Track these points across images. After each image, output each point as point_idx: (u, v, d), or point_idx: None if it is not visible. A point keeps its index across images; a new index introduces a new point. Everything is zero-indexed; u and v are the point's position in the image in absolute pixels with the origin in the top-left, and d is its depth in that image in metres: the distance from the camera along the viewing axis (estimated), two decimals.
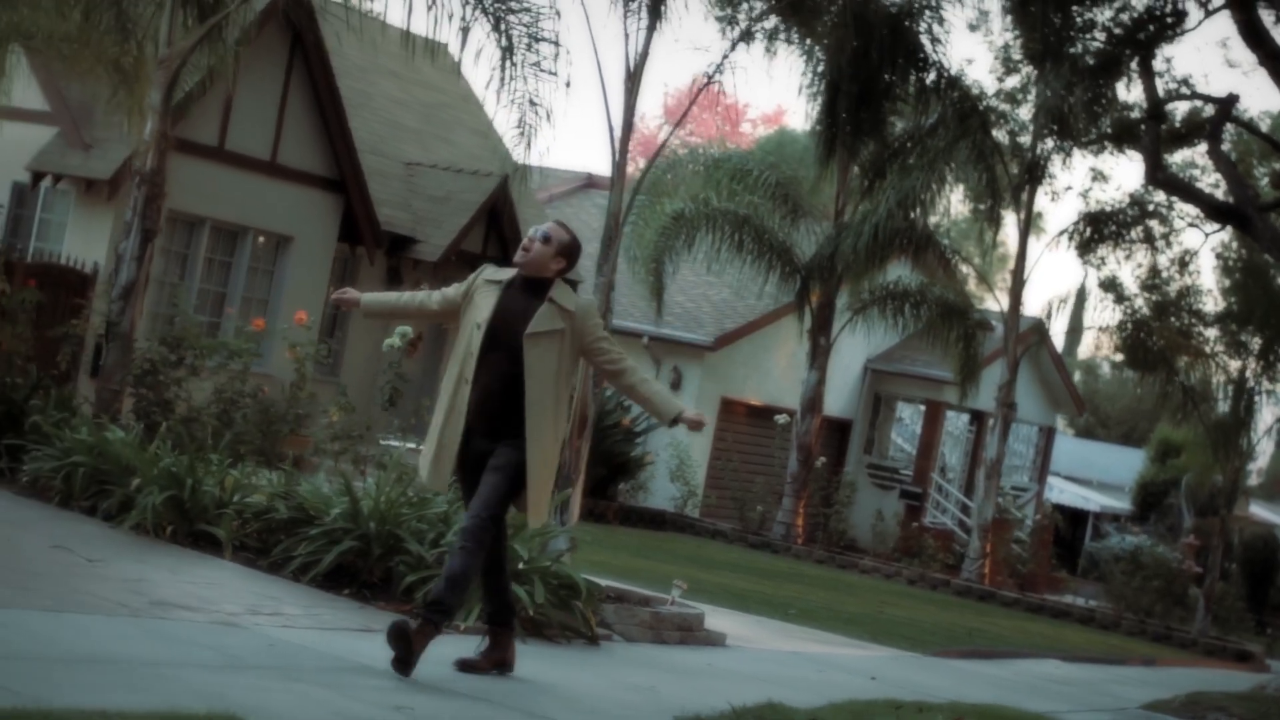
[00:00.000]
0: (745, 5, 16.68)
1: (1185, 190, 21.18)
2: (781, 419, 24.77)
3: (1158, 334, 25.13)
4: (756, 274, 23.53)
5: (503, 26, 10.02)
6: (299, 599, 8.22)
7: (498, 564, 7.16)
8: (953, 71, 22.75)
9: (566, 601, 8.79)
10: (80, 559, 7.85)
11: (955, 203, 28.14)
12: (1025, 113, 25.31)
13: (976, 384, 24.22)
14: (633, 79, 10.33)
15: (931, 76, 22.44)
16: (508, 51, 9.94)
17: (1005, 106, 24.60)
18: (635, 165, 56.04)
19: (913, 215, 22.54)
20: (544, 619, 8.59)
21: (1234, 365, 24.66)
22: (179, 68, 11.58)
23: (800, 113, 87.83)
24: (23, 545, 7.96)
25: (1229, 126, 21.89)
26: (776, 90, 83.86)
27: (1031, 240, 24.88)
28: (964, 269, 25.74)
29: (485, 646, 7.15)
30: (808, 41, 21.44)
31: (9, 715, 4.63)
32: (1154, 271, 26.52)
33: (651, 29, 10.16)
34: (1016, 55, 24.59)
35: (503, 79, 10.07)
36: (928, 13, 22.06)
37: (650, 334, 25.61)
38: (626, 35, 10.05)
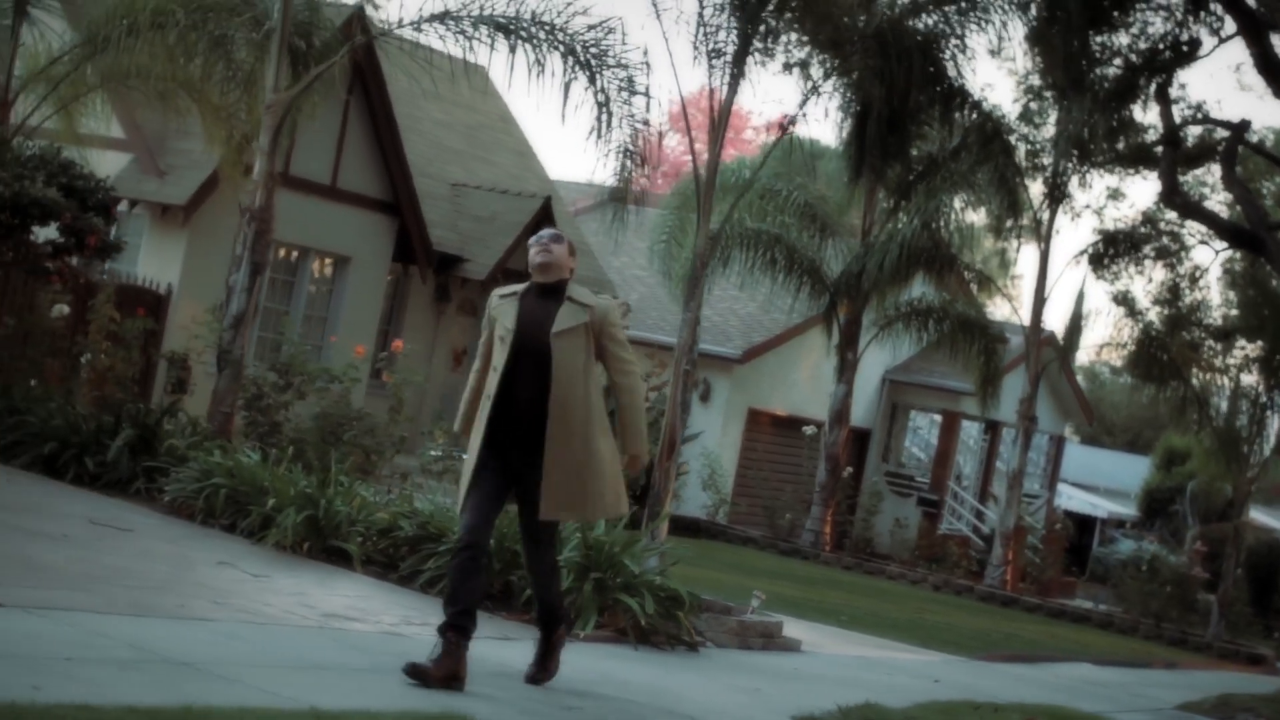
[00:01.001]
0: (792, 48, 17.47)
1: (1201, 214, 22.11)
2: (810, 430, 25.68)
3: (1172, 348, 26.03)
4: (787, 291, 24.39)
5: (599, 81, 10.88)
6: (437, 610, 9.09)
7: (479, 566, 7.07)
8: (976, 95, 23.62)
9: (671, 612, 9.69)
10: (246, 574, 8.73)
11: (977, 221, 29.00)
12: (1045, 132, 26.24)
13: (997, 396, 25.10)
14: (717, 128, 11.22)
15: (956, 101, 23.29)
16: (604, 105, 10.80)
17: (1026, 129, 25.49)
18: (654, 180, 56.80)
19: (937, 236, 23.42)
20: (653, 628, 9.49)
21: (1244, 379, 25.55)
22: (285, 114, 12.45)
23: (806, 121, 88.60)
24: (195, 562, 8.84)
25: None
26: (780, 96, 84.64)
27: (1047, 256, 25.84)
28: (982, 285, 26.61)
29: (439, 657, 6.79)
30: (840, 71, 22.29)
31: (276, 714, 5.51)
32: (1169, 288, 27.45)
33: (734, 86, 11.04)
34: (1037, 80, 25.53)
35: (600, 130, 10.93)
36: (954, 40, 22.88)
37: None
38: (711, 90, 10.93)
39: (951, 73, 22.67)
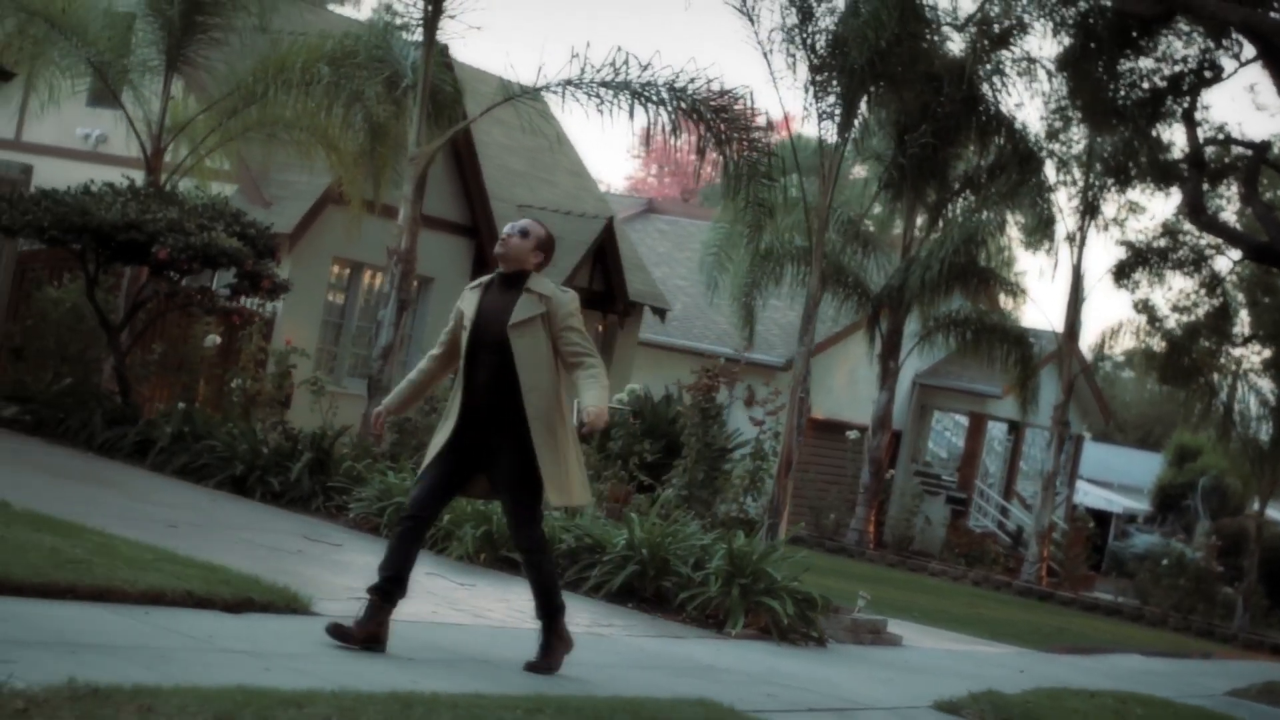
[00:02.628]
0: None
1: (1226, 233, 23.56)
2: (853, 434, 27.10)
3: (1193, 353, 27.49)
4: (832, 303, 25.81)
5: (729, 146, 12.30)
6: (608, 613, 10.51)
7: (418, 536, 7.34)
8: (1010, 117, 25.05)
9: (805, 613, 11.12)
10: (455, 583, 10.15)
11: (1012, 238, 30.42)
12: (1072, 148, 27.66)
13: (1036, 401, 26.56)
14: (828, 178, 12.61)
15: (993, 125, 24.72)
16: (738, 172, 12.21)
17: (1057, 147, 26.90)
18: (662, 183, 58.24)
19: (975, 253, 24.86)
20: (791, 627, 10.92)
21: (1264, 384, 27.01)
22: (427, 164, 13.85)
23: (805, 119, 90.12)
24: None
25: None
26: (783, 95, 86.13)
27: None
28: (1015, 294, 28.07)
29: (362, 618, 7.06)
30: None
31: (594, 702, 6.91)
32: (1189, 297, 28.92)
33: (845, 137, 12.44)
34: (1065, 100, 26.94)
35: (734, 187, 12.33)
36: (990, 66, 24.32)
37: (726, 356, 27.92)
38: (823, 142, 12.32)
39: (989, 97, 24.11)
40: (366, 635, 6.97)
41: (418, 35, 14.47)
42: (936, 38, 18.38)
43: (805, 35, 13.20)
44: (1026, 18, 19.88)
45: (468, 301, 7.35)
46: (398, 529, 7.29)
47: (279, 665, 6.09)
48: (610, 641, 9.25)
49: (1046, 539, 25.74)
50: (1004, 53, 20.13)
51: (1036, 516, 26.01)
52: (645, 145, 13.20)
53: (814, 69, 11.99)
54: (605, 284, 24.52)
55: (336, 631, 6.90)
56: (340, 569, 9.84)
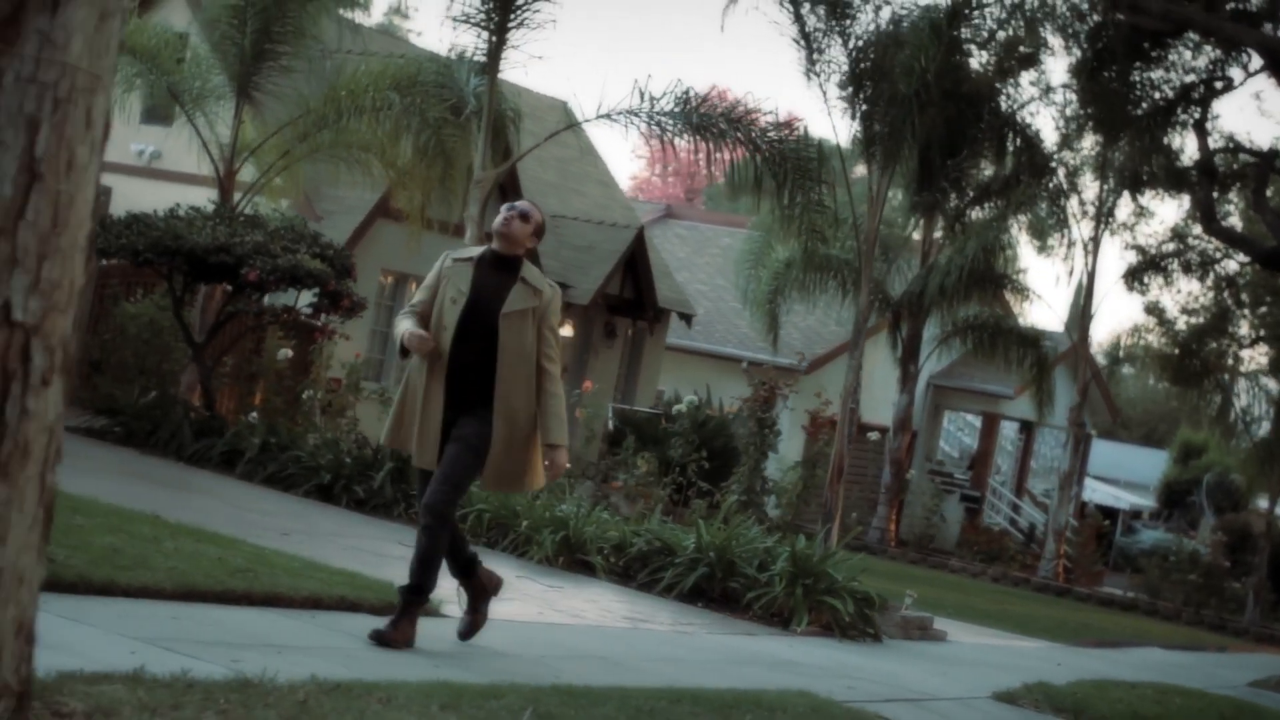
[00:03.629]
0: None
1: (1237, 239, 24.38)
2: (874, 435, 27.93)
3: (1204, 354, 28.34)
4: (848, 305, 26.64)
5: (787, 182, 13.12)
6: (684, 613, 11.33)
7: (457, 538, 7.43)
8: (1026, 125, 25.88)
9: (863, 611, 11.94)
10: (544, 586, 10.97)
11: (1026, 244, 31.24)
12: (1083, 155, 28.50)
13: (1052, 403, 27.38)
14: (875, 203, 13.42)
15: (1010, 136, 25.54)
16: (794, 202, 13.05)
17: (1066, 153, 27.74)
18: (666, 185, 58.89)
19: (993, 260, 25.70)
20: (850, 624, 11.74)
21: (1273, 385, 27.86)
22: (492, 187, 14.66)
23: (810, 116, 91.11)
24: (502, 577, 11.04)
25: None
26: (785, 94, 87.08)
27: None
28: (1030, 301, 28.91)
29: (465, 611, 7.56)
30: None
31: (701, 693, 7.72)
32: (1198, 299, 29.78)
33: (888, 173, 13.26)
34: (1078, 109, 27.77)
35: (789, 217, 13.17)
36: (1009, 81, 25.14)
37: (749, 359, 28.76)
38: (871, 186, 13.14)
39: (1008, 109, 24.91)
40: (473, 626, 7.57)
41: (476, 52, 15.23)
42: (966, 58, 19.17)
43: (856, 68, 14.04)
44: (1048, 37, 20.65)
45: (458, 273, 7.21)
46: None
47: (445, 663, 6.89)
48: (696, 639, 10.06)
49: (1063, 536, 26.57)
50: (1027, 73, 20.85)
51: (1054, 514, 26.88)
52: (708, 171, 13.87)
53: (864, 99, 12.82)
54: (635, 291, 25.34)
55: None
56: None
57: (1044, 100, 21.57)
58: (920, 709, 9.07)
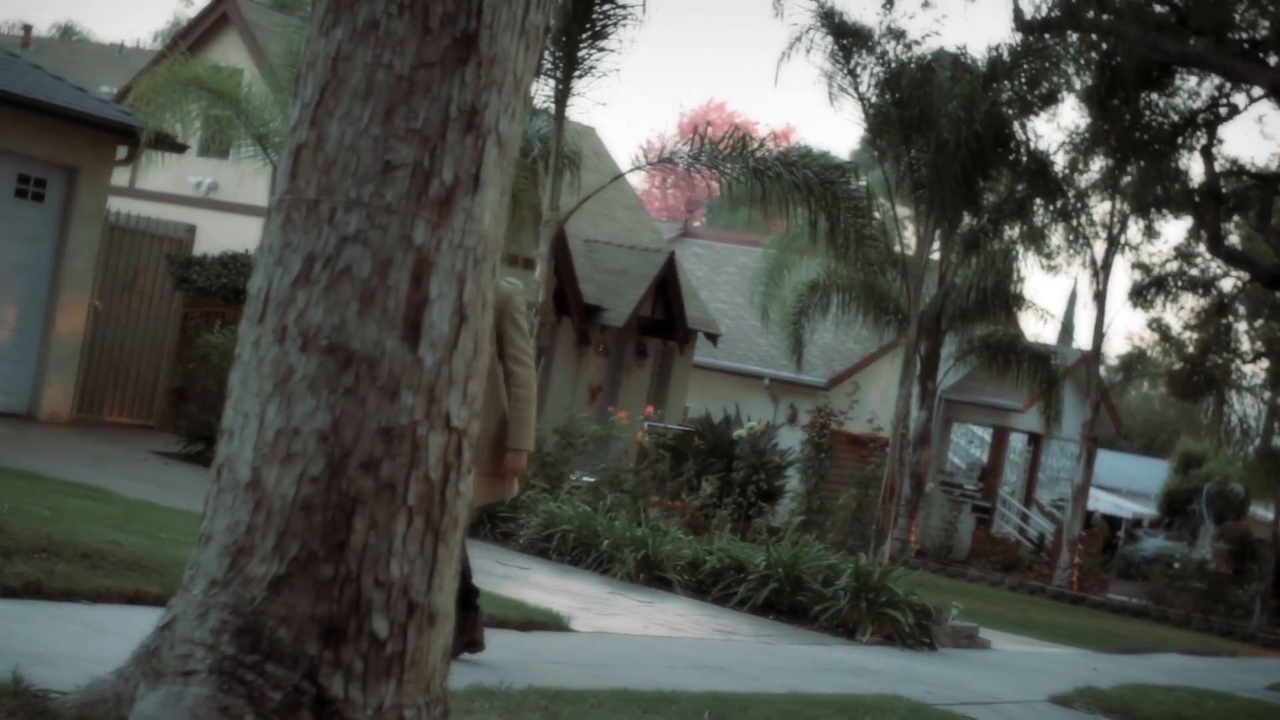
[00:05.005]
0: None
1: (1243, 261, 25.45)
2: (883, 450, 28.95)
3: (1207, 369, 29.41)
4: (876, 329, 27.66)
5: (840, 221, 14.17)
6: (760, 625, 12.32)
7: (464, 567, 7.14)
8: (1036, 150, 26.90)
9: (920, 621, 12.96)
10: (636, 601, 11.96)
11: (1039, 265, 32.30)
12: (1090, 176, 29.54)
13: (1059, 418, 28.41)
14: (924, 240, 14.42)
15: (1023, 163, 26.56)
16: (848, 240, 14.09)
17: (1080, 178, 28.79)
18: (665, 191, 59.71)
19: (1007, 280, 26.72)
20: (909, 634, 12.75)
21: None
22: (560, 226, 15.65)
23: (811, 129, 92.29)
24: (597, 594, 12.05)
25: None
26: (785, 105, 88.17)
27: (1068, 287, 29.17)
28: (1042, 319, 29.98)
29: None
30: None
31: (809, 699, 8.71)
32: (1199, 315, 30.85)
33: (943, 216, 14.30)
34: (1087, 133, 28.82)
35: (844, 254, 14.19)
36: (1022, 106, 26.16)
37: (770, 376, 29.80)
38: (918, 212, 14.14)
39: (1024, 138, 25.91)
40: (464, 645, 7.17)
41: (540, 96, 16.24)
42: (1001, 106, 20.20)
43: (905, 118, 15.08)
44: (1062, 70, 21.66)
45: None
46: None
47: (604, 672, 7.89)
48: (782, 649, 11.07)
49: (1076, 546, 27.60)
50: (1044, 105, 21.87)
51: (1068, 525, 27.90)
52: (764, 212, 14.86)
53: (912, 147, 13.86)
54: (666, 313, 26.35)
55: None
56: (545, 589, 11.63)
57: (1055, 124, 22.66)
58: (992, 711, 10.08)
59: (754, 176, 14.26)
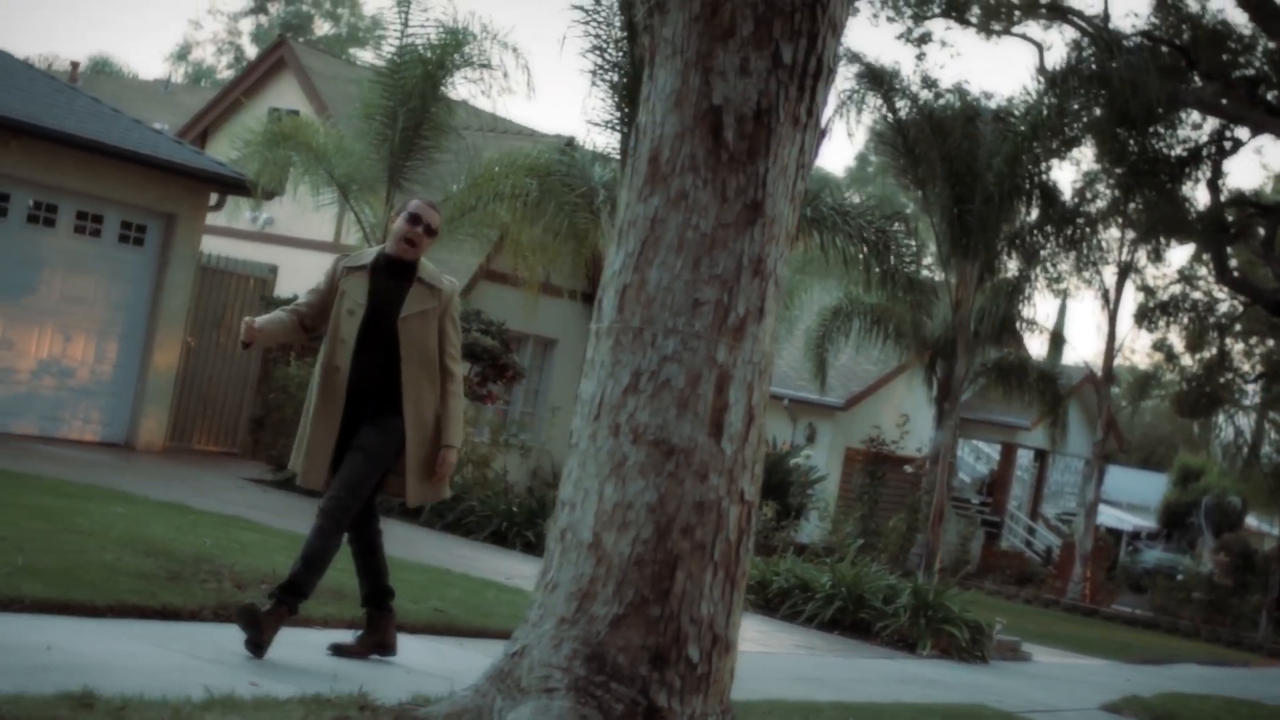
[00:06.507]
0: None
1: (1249, 289, 26.72)
2: (909, 469, 30.14)
3: (1210, 388, 30.69)
4: (895, 352, 28.87)
5: (889, 264, 15.37)
6: (829, 641, 13.48)
7: (370, 546, 7.19)
8: (1055, 185, 28.14)
9: (975, 636, 14.14)
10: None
11: (1052, 291, 33.57)
12: (1105, 204, 30.81)
13: (1065, 437, 29.66)
14: (968, 287, 15.62)
15: (1036, 195, 27.79)
16: (895, 282, 15.27)
17: (1090, 207, 30.05)
18: None
19: (1021, 308, 27.97)
20: (965, 648, 13.94)
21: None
22: None
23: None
24: None
25: None
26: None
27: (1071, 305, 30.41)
28: (1054, 342, 31.23)
29: (363, 630, 7.19)
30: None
31: (881, 708, 9.87)
32: (1200, 334, 32.14)
33: (977, 259, 15.49)
34: (1095, 165, 30.10)
35: (891, 293, 15.35)
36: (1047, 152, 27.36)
37: (790, 396, 30.98)
38: (965, 273, 15.34)
39: (1038, 173, 27.10)
40: (372, 645, 7.14)
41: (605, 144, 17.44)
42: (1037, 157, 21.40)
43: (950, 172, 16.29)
44: (1081, 116, 22.89)
45: (355, 287, 7.04)
46: (352, 548, 7.17)
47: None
48: (858, 663, 12.24)
49: (1089, 559, 28.85)
50: (1068, 149, 23.09)
51: (1080, 539, 29.12)
52: (826, 257, 16.02)
53: (956, 197, 15.08)
54: None
55: (340, 650, 7.03)
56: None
57: (1070, 160, 23.97)
58: (1057, 718, 11.27)
59: (811, 226, 15.43)
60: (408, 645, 7.82)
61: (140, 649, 6.26)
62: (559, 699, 4.76)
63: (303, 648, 6.96)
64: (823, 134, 5.25)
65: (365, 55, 62.49)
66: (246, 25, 61.92)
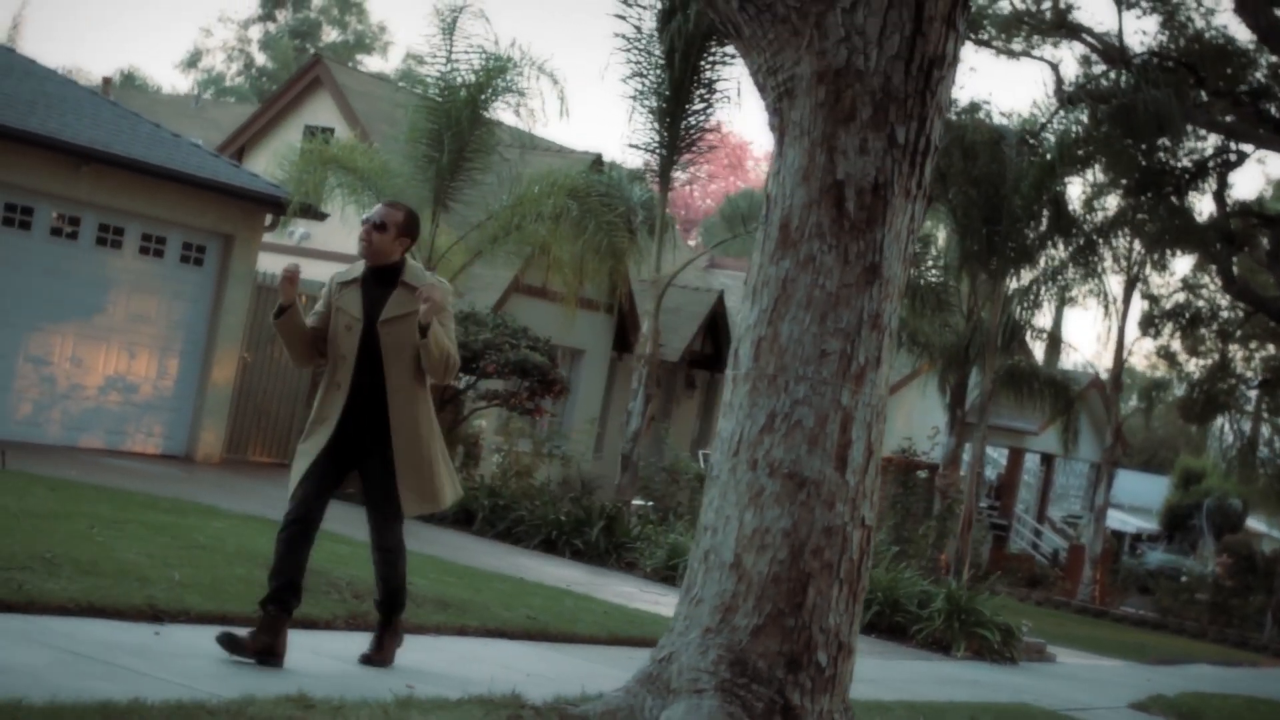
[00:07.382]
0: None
1: (1255, 299, 27.47)
2: (923, 474, 30.87)
3: (1213, 394, 31.46)
4: (909, 360, 29.63)
5: (922, 287, 16.10)
6: (870, 644, 14.15)
7: (306, 536, 7.00)
8: (1068, 199, 28.87)
9: (1006, 639, 14.88)
10: None
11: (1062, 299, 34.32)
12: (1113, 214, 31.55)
13: (1076, 442, 30.41)
14: (997, 304, 16.35)
15: (1049, 210, 28.53)
16: (926, 305, 15.99)
17: (1098, 218, 30.79)
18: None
19: (1032, 318, 28.72)
20: (997, 650, 14.67)
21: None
22: (665, 288, 17.54)
23: None
24: None
25: None
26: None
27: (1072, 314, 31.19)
28: (1065, 352, 32.02)
29: (255, 629, 6.82)
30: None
31: (936, 707, 10.60)
32: (1203, 342, 32.94)
33: (1007, 276, 16.22)
34: (1103, 176, 30.82)
35: (920, 313, 16.10)
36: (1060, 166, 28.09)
37: None
38: (995, 291, 16.07)
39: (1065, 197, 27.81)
40: (261, 647, 6.76)
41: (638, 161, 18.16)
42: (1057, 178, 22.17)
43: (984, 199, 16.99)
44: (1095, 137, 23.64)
45: (349, 301, 7.04)
46: (284, 535, 6.95)
47: None
48: (899, 664, 12.97)
49: (1099, 562, 29.61)
50: (1084, 166, 23.84)
51: (1090, 543, 29.89)
52: None
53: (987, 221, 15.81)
54: (714, 347, 28.28)
55: (229, 643, 6.72)
56: None
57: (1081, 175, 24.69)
58: (1092, 715, 12.01)
59: None
60: (511, 649, 8.56)
61: (303, 658, 6.97)
62: (708, 699, 5.48)
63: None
64: (929, 201, 5.98)
65: (373, 63, 63.21)
66: (256, 33, 62.54)
